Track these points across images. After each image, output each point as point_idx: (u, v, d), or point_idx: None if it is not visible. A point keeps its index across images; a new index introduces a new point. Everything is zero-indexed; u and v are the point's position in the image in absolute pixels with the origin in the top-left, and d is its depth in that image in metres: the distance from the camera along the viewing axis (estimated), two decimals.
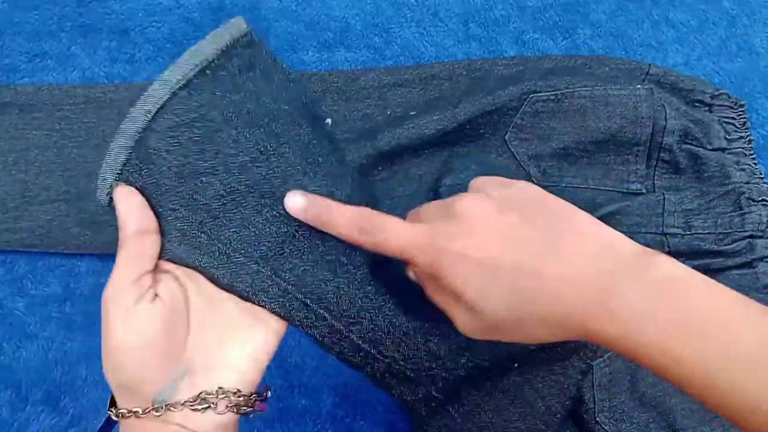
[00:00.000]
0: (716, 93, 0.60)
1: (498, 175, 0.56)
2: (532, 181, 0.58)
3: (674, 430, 0.52)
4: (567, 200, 0.56)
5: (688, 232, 0.56)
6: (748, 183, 0.57)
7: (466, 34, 0.65)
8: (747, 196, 0.56)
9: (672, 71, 0.61)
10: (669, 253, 0.56)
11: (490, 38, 0.65)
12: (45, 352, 0.57)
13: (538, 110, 0.58)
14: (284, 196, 0.35)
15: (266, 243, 0.36)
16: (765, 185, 0.58)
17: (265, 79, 0.37)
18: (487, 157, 0.59)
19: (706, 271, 0.56)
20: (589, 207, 0.57)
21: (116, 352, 0.31)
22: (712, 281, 0.29)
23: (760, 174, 0.58)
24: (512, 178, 0.58)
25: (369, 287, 0.38)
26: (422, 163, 0.59)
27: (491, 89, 0.58)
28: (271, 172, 0.35)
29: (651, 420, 0.52)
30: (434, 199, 0.57)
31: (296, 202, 0.35)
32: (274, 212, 0.36)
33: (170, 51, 0.64)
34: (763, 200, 0.56)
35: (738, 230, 0.56)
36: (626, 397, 0.52)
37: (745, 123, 0.60)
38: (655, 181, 0.59)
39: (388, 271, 0.39)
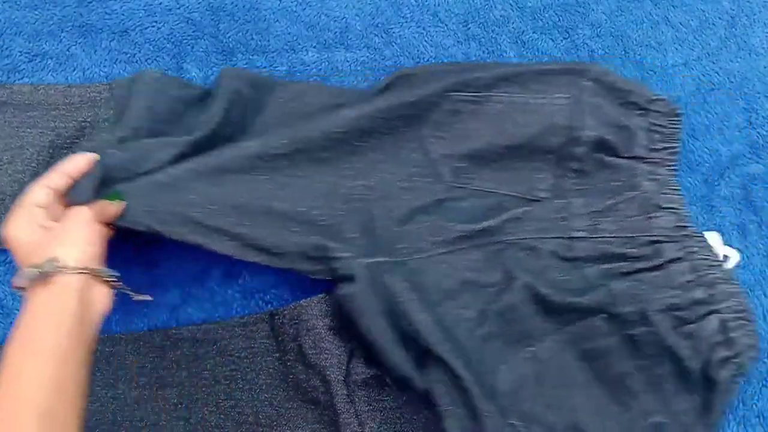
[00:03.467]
0: (653, 98, 0.59)
1: (409, 170, 0.57)
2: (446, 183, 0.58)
3: (578, 428, 0.51)
4: (475, 204, 0.56)
5: (593, 235, 0.56)
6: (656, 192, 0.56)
7: (465, 35, 0.65)
8: (653, 202, 0.56)
9: (612, 72, 0.59)
10: (576, 259, 0.55)
11: (489, 38, 0.65)
12: None
13: (458, 110, 0.57)
14: None
15: None
16: (677, 196, 0.57)
17: None
18: (400, 152, 0.58)
19: (616, 275, 0.54)
20: (495, 211, 0.56)
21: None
22: None
23: (675, 185, 0.57)
24: (422, 175, 0.58)
25: None
26: (332, 158, 0.57)
27: (416, 86, 0.58)
28: None
29: (557, 420, 0.52)
30: (347, 202, 0.55)
31: None
32: None
33: (170, 51, 0.64)
34: (671, 208, 0.56)
35: (644, 234, 0.55)
36: (533, 401, 0.52)
37: (674, 133, 0.58)
38: (564, 188, 0.58)
39: None
